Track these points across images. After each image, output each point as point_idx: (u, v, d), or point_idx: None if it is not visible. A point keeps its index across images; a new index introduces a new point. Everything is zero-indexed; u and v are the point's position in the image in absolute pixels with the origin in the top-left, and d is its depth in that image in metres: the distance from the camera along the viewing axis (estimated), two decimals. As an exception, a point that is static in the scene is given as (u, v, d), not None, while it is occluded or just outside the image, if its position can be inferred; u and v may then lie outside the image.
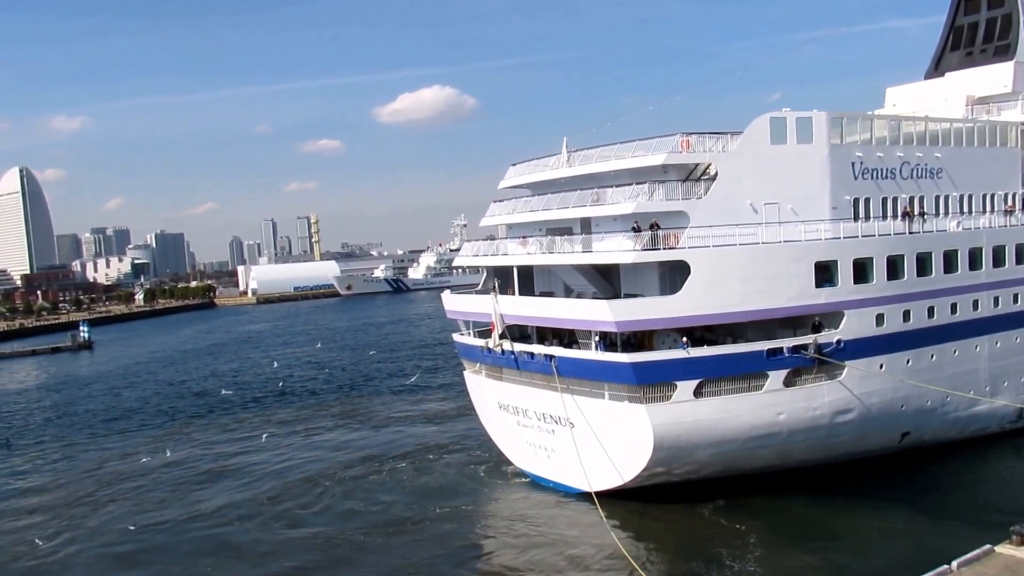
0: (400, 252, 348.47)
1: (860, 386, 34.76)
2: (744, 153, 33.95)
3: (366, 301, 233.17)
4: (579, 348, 35.09)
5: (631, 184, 33.91)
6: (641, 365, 32.30)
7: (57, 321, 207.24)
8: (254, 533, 35.25)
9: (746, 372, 33.03)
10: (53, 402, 78.55)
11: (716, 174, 33.69)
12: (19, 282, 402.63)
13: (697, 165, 34.39)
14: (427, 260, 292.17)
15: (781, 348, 33.31)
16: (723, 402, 32.78)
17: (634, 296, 34.63)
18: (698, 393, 32.58)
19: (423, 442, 48.25)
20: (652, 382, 32.41)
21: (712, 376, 32.70)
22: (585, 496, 35.29)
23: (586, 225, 36.36)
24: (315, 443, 50.79)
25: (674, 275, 33.27)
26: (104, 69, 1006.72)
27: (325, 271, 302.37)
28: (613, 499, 34.21)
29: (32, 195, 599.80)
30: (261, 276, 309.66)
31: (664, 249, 32.47)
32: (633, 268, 34.49)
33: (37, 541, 35.38)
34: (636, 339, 34.07)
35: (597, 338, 33.82)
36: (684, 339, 32.79)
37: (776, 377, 33.26)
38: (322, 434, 53.37)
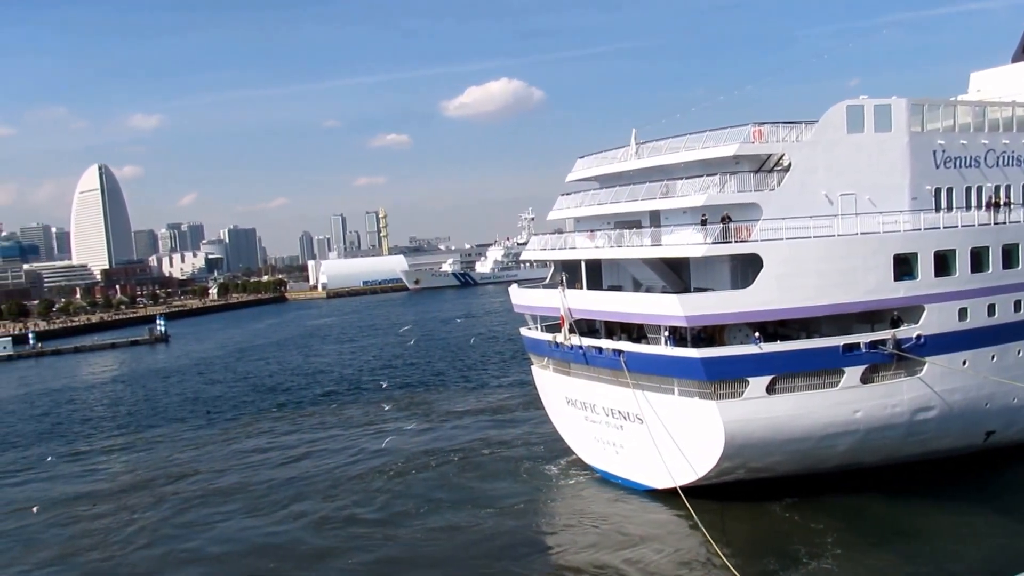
0: (467, 246, 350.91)
1: (942, 383, 33.53)
2: (819, 143, 33.06)
3: (434, 295, 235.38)
4: (648, 343, 34.65)
5: (701, 176, 33.37)
6: (712, 361, 31.73)
7: (135, 315, 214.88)
8: (316, 528, 35.67)
9: (821, 368, 32.17)
10: (131, 394, 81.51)
11: (790, 165, 32.90)
12: (99, 277, 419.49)
13: (770, 156, 33.61)
14: (494, 254, 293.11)
15: (858, 343, 32.34)
16: (797, 399, 31.98)
17: (704, 290, 34.05)
18: (771, 389, 31.86)
19: (489, 437, 48.41)
20: (723, 378, 31.82)
21: (785, 372, 31.95)
22: (654, 493, 34.94)
23: (655, 218, 35.91)
24: (381, 437, 51.21)
25: (746, 269, 32.61)
26: (179, 66, 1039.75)
27: (393, 265, 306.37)
28: (685, 496, 33.68)
29: (111, 192, 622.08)
30: (330, 270, 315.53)
31: (736, 242, 31.87)
32: (703, 262, 33.94)
33: (106, 535, 36.39)
34: (706, 334, 33.46)
35: (667, 333, 33.34)
36: (756, 334, 32.11)
37: (853, 373, 32.31)
38: (388, 428, 53.92)
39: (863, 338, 32.46)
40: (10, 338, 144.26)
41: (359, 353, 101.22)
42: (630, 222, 36.92)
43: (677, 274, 36.17)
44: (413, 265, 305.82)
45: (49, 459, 52.65)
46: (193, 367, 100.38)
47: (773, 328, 33.48)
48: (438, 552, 31.98)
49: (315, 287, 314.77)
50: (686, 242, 33.16)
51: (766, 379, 31.74)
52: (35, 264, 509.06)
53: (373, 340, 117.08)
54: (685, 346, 32.63)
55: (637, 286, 37.93)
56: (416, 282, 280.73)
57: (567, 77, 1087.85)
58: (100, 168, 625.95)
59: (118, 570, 32.57)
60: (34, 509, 40.48)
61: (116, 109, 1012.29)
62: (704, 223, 32.46)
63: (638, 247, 35.37)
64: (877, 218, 32.91)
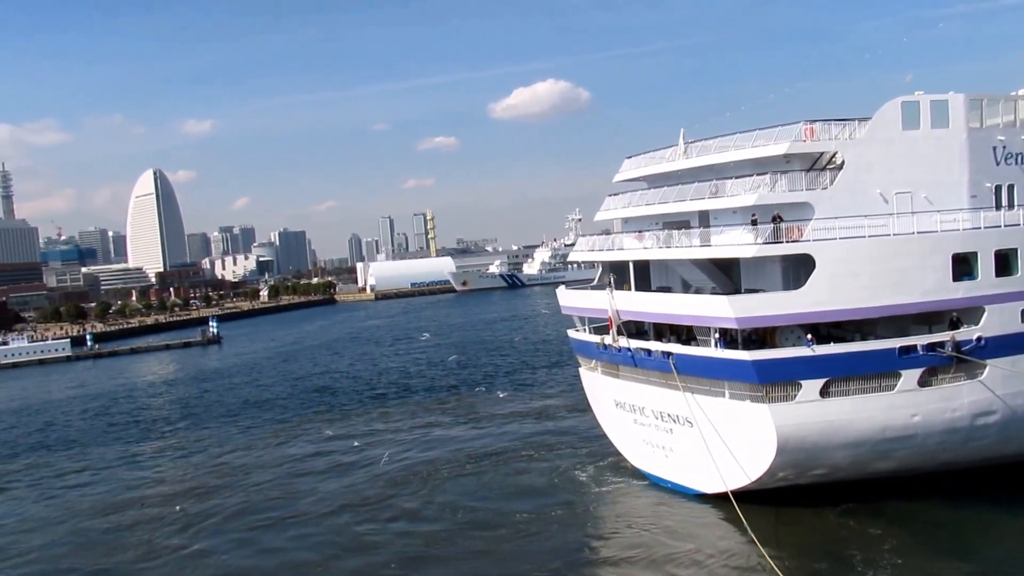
0: (515, 248, 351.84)
1: (1004, 386, 32.44)
2: (873, 140, 32.31)
3: (481, 297, 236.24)
4: (698, 345, 34.23)
5: (751, 175, 32.85)
6: (763, 363, 31.19)
7: (188, 317, 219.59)
8: (362, 527, 35.88)
9: (877, 371, 31.38)
10: (183, 396, 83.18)
11: (843, 163, 32.22)
12: (154, 279, 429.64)
13: (822, 154, 32.96)
14: (542, 255, 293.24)
15: (915, 346, 31.48)
16: (852, 402, 31.24)
17: (755, 291, 33.51)
18: (825, 393, 31.18)
19: (537, 439, 48.29)
20: (775, 381, 31.25)
21: (840, 375, 31.24)
22: (705, 497, 34.48)
23: (704, 218, 35.45)
24: (428, 438, 51.69)
25: (798, 269, 32.01)
26: (232, 72, 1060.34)
27: (441, 267, 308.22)
28: (737, 501, 33.16)
29: (165, 196, 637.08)
30: (379, 272, 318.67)
31: (787, 242, 31.31)
32: (754, 262, 33.40)
33: (152, 536, 36.89)
34: (757, 336, 32.92)
35: (717, 335, 32.89)
36: (809, 336, 31.46)
37: (910, 376, 31.47)
38: (435, 429, 54.25)
39: (921, 340, 31.58)
40: (69, 340, 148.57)
41: (407, 355, 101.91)
42: (679, 222, 36.51)
43: (727, 275, 35.66)
44: (460, 267, 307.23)
45: (103, 459, 54.04)
46: (244, 369, 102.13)
47: (826, 330, 32.78)
48: (481, 556, 31.91)
49: (364, 289, 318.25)
50: (736, 242, 32.67)
51: (820, 382, 31.07)
52: (93, 267, 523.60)
53: (422, 342, 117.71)
54: (736, 348, 32.13)
55: (686, 287, 37.49)
56: (463, 284, 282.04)
57: (614, 77, 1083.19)
58: (155, 173, 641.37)
59: (161, 572, 33.05)
60: (87, 508, 41.53)
61: (171, 115, 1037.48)
62: (755, 223, 31.96)
63: (687, 248, 34.96)
64: (935, 217, 32.04)
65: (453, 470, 43.24)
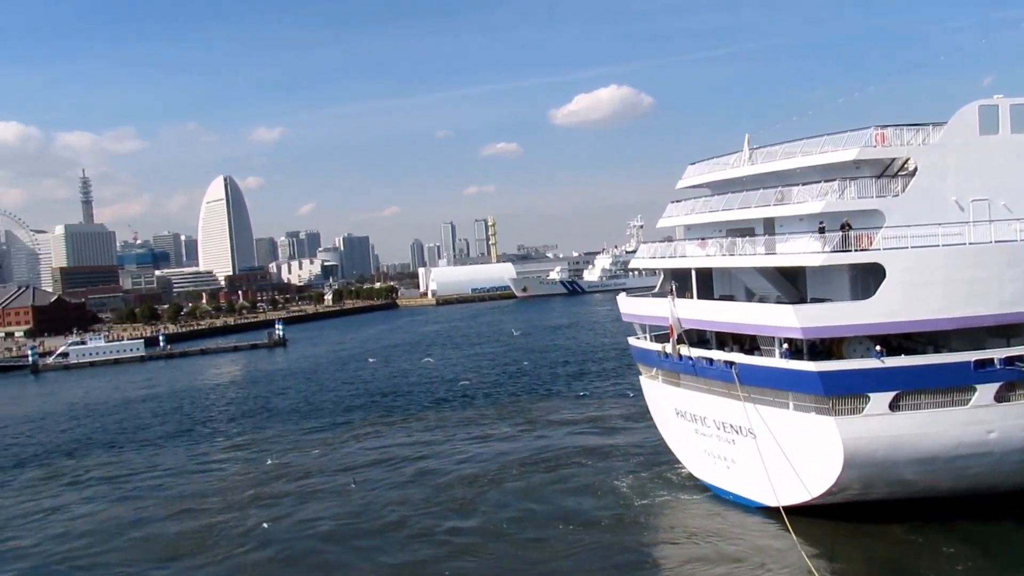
0: (575, 254, 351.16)
1: (1088, 403, 30.89)
2: (949, 145, 31.20)
3: (541, 303, 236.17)
4: (761, 355, 33.48)
5: (819, 182, 32.07)
6: (830, 375, 30.35)
7: (255, 319, 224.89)
8: (412, 534, 35.97)
9: (950, 385, 30.25)
10: (250, 396, 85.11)
11: (916, 169, 31.18)
12: (223, 282, 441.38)
13: (894, 160, 31.98)
14: (602, 262, 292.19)
15: (992, 359, 30.22)
16: (924, 417, 30.16)
17: (822, 301, 32.62)
18: (894, 406, 30.17)
19: (594, 446, 47.94)
20: (842, 393, 30.38)
21: (910, 388, 30.19)
22: (767, 510, 33.67)
23: (769, 225, 34.72)
24: (486, 444, 51.79)
25: (867, 278, 31.10)
26: (300, 81, 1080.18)
27: (501, 273, 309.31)
28: (798, 515, 32.35)
29: (235, 202, 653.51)
30: (440, 278, 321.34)
31: (856, 251, 30.43)
32: (821, 271, 32.53)
33: (210, 535, 37.57)
34: (824, 346, 32.08)
35: (781, 345, 32.11)
36: (878, 347, 30.50)
37: (986, 391, 30.23)
38: (493, 435, 54.32)
39: (998, 353, 30.33)
40: (143, 340, 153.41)
41: (467, 360, 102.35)
42: (743, 229, 35.84)
43: (792, 284, 34.85)
44: (521, 273, 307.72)
45: (171, 458, 55.56)
46: (308, 371, 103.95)
47: (897, 341, 31.75)
48: (531, 567, 31.73)
49: (425, 294, 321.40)
50: (803, 250, 31.90)
51: (889, 395, 30.09)
52: (166, 270, 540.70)
53: (481, 348, 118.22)
54: (801, 359, 31.33)
55: (750, 296, 36.75)
56: (524, 290, 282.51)
57: (678, 82, 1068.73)
58: (226, 179, 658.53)
59: (218, 570, 33.63)
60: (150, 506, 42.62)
61: (241, 123, 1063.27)
62: (822, 231, 31.16)
63: (751, 255, 34.27)
64: (1014, 225, 30.76)
65: (506, 476, 43.21)
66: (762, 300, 35.16)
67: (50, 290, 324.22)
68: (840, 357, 31.39)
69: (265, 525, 38.03)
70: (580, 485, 40.51)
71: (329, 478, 46.38)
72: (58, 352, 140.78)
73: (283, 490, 44.21)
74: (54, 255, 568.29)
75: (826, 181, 31.89)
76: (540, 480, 42.08)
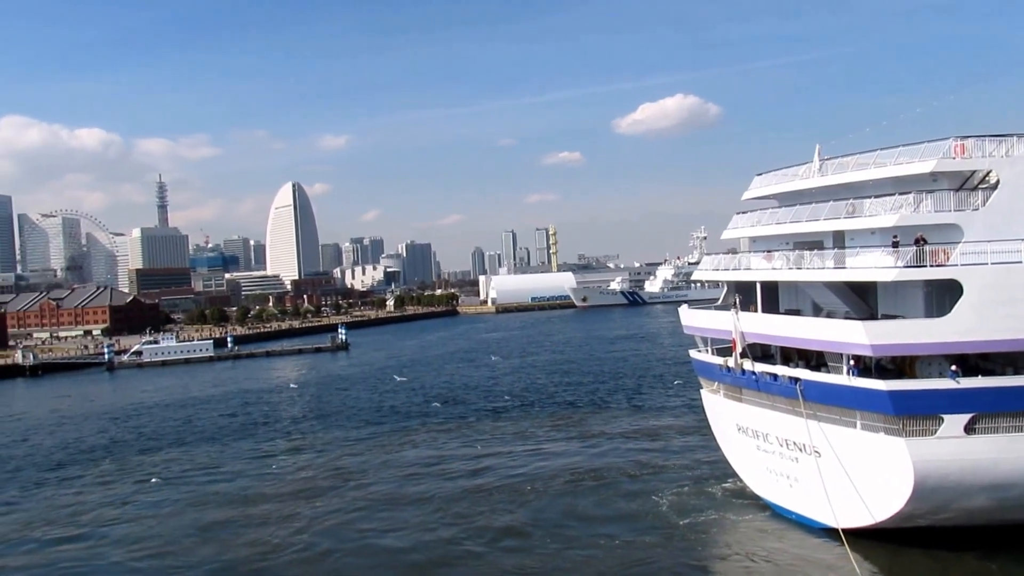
0: (637, 264, 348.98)
1: None
2: (1033, 158, 29.85)
3: (601, 313, 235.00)
4: (828, 371, 32.52)
5: (893, 194, 31.06)
6: (901, 394, 29.27)
7: (319, 323, 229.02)
8: (458, 540, 35.93)
9: (1031, 408, 28.85)
10: (312, 397, 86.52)
11: (997, 182, 29.94)
12: (289, 286, 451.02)
13: (974, 172, 30.79)
14: (664, 273, 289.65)
15: (1077, 383, 28.75)
16: (1002, 441, 28.81)
17: (893, 317, 31.56)
18: (970, 429, 28.93)
19: (649, 460, 47.27)
20: (914, 413, 29.25)
21: (988, 411, 28.91)
22: (830, 532, 32.61)
23: (839, 239, 33.79)
24: (539, 453, 51.50)
25: (942, 295, 29.96)
26: (367, 89, 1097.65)
27: (561, 282, 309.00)
28: (863, 538, 31.30)
29: (302, 208, 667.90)
30: (500, 286, 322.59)
31: (932, 266, 29.34)
32: (893, 287, 31.48)
33: (265, 534, 37.95)
34: (894, 365, 30.99)
35: (849, 362, 31.11)
36: (953, 367, 29.32)
37: (1069, 416, 28.75)
38: (546, 445, 54.03)
39: (1082, 377, 28.85)
40: (212, 341, 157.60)
41: (524, 369, 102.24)
42: (811, 242, 34.95)
43: (862, 299, 33.79)
44: (581, 282, 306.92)
45: (234, 455, 56.71)
46: (369, 375, 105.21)
47: (973, 361, 30.49)
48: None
49: (485, 302, 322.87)
50: (874, 265, 30.90)
51: (964, 417, 28.88)
52: (235, 273, 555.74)
53: (539, 357, 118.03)
54: (870, 376, 30.33)
55: (817, 310, 35.77)
56: (584, 299, 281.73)
57: (746, 91, 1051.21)
58: (294, 186, 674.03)
59: (271, 570, 33.99)
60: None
61: (309, 130, 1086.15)
62: (895, 245, 30.13)
63: (820, 269, 33.35)
64: (1102, 242, 29.24)
65: (554, 487, 42.90)
66: (830, 315, 34.18)
67: (126, 291, 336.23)
68: (912, 376, 30.31)
69: (314, 523, 38.61)
70: (630, 499, 39.91)
71: (381, 480, 46.85)
72: (132, 351, 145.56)
73: (338, 493, 44.63)
74: (131, 257, 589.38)
75: (901, 194, 30.89)
76: (588, 492, 41.59)
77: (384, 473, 48.61)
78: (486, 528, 37.12)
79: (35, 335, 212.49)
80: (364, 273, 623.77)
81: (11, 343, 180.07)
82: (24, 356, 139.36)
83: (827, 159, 35.59)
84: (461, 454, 52.55)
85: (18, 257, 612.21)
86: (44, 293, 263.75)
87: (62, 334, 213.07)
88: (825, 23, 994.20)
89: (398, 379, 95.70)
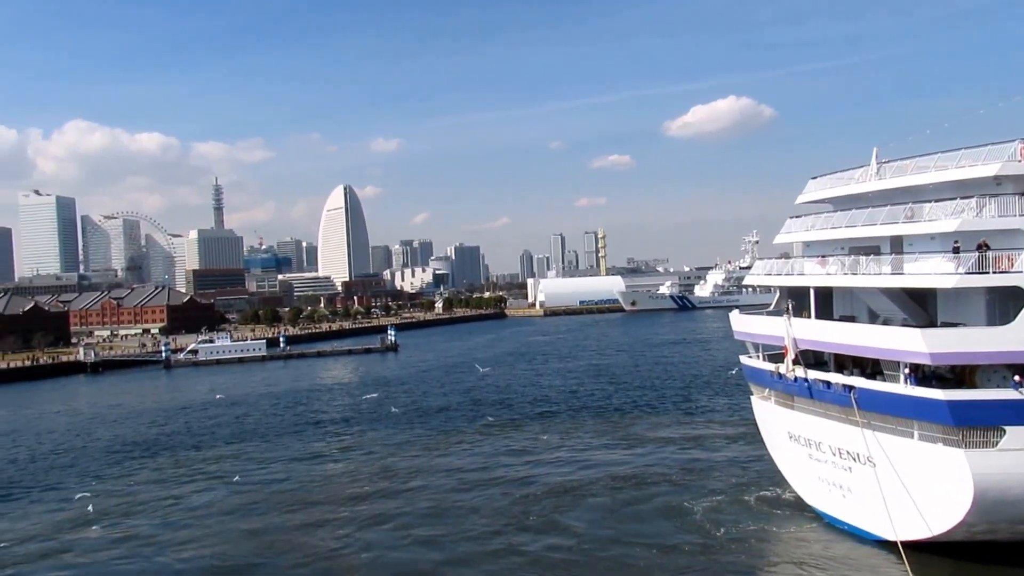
0: (686, 269, 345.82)
1: None
2: (1105, 161, 28.78)
3: (650, 317, 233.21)
4: (884, 380, 31.74)
5: (954, 198, 30.22)
6: (961, 404, 28.42)
7: (369, 324, 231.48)
8: (499, 543, 35.94)
9: (1099, 421, 27.78)
10: (361, 398, 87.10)
11: (1064, 186, 28.91)
12: (340, 288, 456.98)
13: (1040, 176, 29.73)
14: (715, 277, 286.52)
15: None
16: (1067, 454, 27.80)
17: (953, 325, 30.66)
18: (1033, 441, 27.94)
19: (695, 466, 46.78)
20: (974, 424, 28.37)
21: (1054, 423, 27.90)
22: (885, 544, 31.82)
23: (896, 244, 32.97)
24: (583, 457, 51.30)
25: (1006, 303, 29.03)
26: (418, 92, 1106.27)
27: (610, 286, 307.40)
28: (919, 551, 30.47)
29: (353, 210, 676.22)
30: (549, 289, 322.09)
31: (995, 273, 28.46)
32: (954, 293, 30.58)
33: (305, 534, 38.42)
34: (954, 374, 30.12)
35: (906, 370, 30.33)
36: (1016, 377, 28.36)
37: None
38: (591, 449, 53.80)
39: None
40: (264, 341, 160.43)
41: (571, 373, 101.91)
42: (867, 248, 34.19)
43: (921, 306, 32.92)
44: (630, 286, 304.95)
45: (284, 454, 57.59)
46: (417, 376, 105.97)
47: (1038, 371, 29.43)
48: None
49: (533, 305, 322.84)
50: (934, 271, 30.06)
51: (1028, 429, 27.90)
52: (287, 275, 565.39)
53: (587, 361, 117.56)
54: (929, 386, 29.51)
55: (873, 317, 34.96)
56: (632, 303, 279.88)
57: (800, 93, 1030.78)
58: (345, 188, 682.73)
59: (315, 569, 34.27)
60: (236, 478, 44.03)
61: (362, 133, 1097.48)
62: (956, 250, 29.31)
63: (876, 275, 32.61)
64: None
65: (597, 491, 42.77)
66: (887, 322, 33.39)
67: (183, 290, 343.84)
68: (972, 386, 29.44)
69: (358, 524, 39.07)
70: (675, 505, 39.47)
71: (427, 481, 47.14)
72: (188, 349, 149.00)
73: (383, 493, 44.99)
74: (187, 258, 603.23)
75: (962, 198, 30.04)
76: (631, 498, 41.23)
77: (428, 474, 48.91)
78: (526, 531, 37.10)
79: (96, 333, 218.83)
80: (413, 275, 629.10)
81: (74, 341, 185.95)
82: (86, 354, 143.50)
83: (885, 162, 34.80)
84: (504, 456, 52.62)
85: (81, 257, 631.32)
86: (105, 292, 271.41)
87: (122, 332, 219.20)
88: (882, 24, 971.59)
89: (481, 370, 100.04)
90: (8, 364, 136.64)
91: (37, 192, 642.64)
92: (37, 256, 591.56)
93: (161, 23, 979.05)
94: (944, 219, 29.99)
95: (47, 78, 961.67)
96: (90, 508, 44.10)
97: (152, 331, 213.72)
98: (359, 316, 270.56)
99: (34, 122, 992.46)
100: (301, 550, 36.28)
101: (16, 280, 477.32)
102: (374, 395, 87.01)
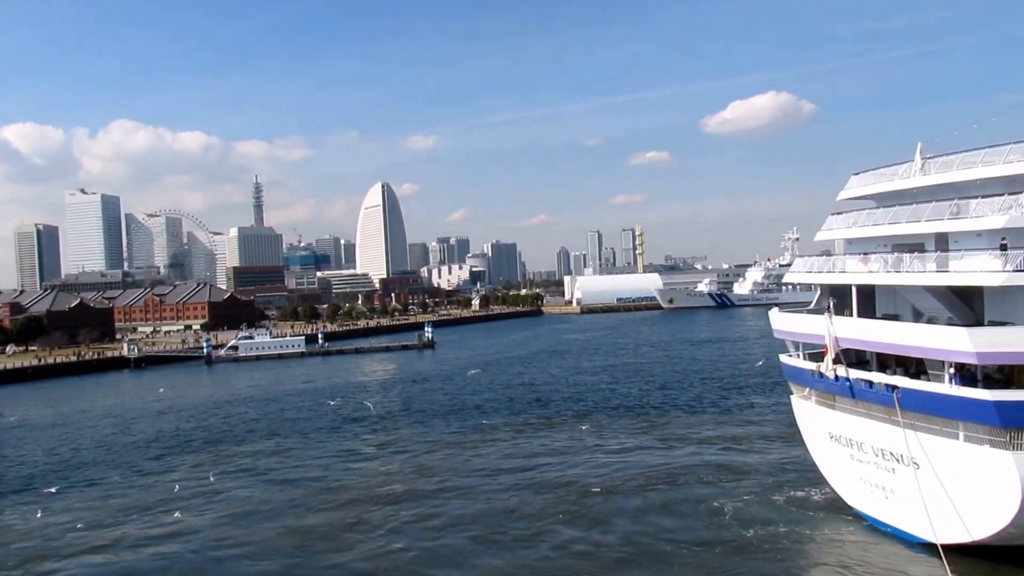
0: (725, 266, 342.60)
1: None
2: None
3: (688, 315, 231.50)
4: (928, 380, 31.08)
5: (1002, 194, 29.47)
6: (1009, 405, 27.73)
7: (406, 321, 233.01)
8: (537, 538, 36.06)
9: None
10: (398, 395, 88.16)
11: (1118, 182, 28.03)
12: (377, 285, 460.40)
13: (1092, 171, 28.88)
14: (754, 275, 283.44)
15: None
16: (1120, 458, 26.98)
17: (1001, 324, 29.90)
18: (1085, 444, 27.18)
19: (732, 465, 46.36)
20: (1022, 426, 27.67)
21: (1106, 425, 27.10)
22: (927, 547, 31.18)
23: (942, 241, 32.25)
24: (618, 455, 51.20)
25: (1056, 302, 28.21)
26: (455, 91, 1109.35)
27: (647, 284, 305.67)
28: (961, 554, 29.82)
29: (391, 208, 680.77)
30: (585, 287, 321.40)
31: (1045, 270, 27.64)
32: (1002, 292, 29.84)
33: (339, 529, 38.77)
34: (1001, 374, 29.38)
35: (951, 370, 29.68)
36: (1067, 378, 27.62)
37: None
38: (625, 447, 53.61)
39: None
40: (303, 337, 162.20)
41: (608, 371, 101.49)
42: (911, 245, 33.49)
43: (967, 304, 32.16)
44: (668, 284, 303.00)
45: (322, 450, 58.25)
46: (453, 373, 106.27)
47: (1089, 372, 28.60)
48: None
49: (570, 302, 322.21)
50: (981, 268, 29.37)
51: (1079, 431, 27.14)
52: (326, 272, 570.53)
53: (624, 359, 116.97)
54: (974, 386, 28.84)
55: (917, 316, 34.25)
56: (670, 301, 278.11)
57: (842, 88, 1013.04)
58: (383, 186, 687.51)
59: (348, 564, 34.55)
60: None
61: (398, 132, 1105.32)
62: (1004, 248, 28.59)
63: (920, 272, 31.93)
64: None
65: (632, 489, 42.75)
66: (931, 321, 32.71)
67: (224, 287, 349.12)
68: (1020, 386, 28.66)
69: (391, 520, 39.40)
70: (724, 505, 39.02)
71: (460, 477, 47.41)
72: (229, 345, 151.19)
73: (418, 490, 45.26)
74: (228, 255, 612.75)
75: (1010, 194, 29.30)
76: (668, 498, 41.03)
77: (464, 471, 49.09)
78: (558, 530, 37.04)
79: (139, 329, 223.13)
80: (450, 272, 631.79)
81: (118, 336, 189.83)
82: (129, 349, 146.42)
83: (930, 157, 34.06)
84: (540, 455, 52.56)
85: (125, 255, 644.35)
86: (148, 289, 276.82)
87: (164, 328, 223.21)
88: (926, 18, 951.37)
89: (470, 373, 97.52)
90: (55, 359, 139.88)
91: (83, 191, 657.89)
92: (83, 254, 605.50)
93: (204, 25, 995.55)
94: (991, 215, 29.29)
95: (93, 79, 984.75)
96: (131, 501, 44.94)
97: (193, 327, 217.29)
98: (396, 313, 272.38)
99: (80, 122, 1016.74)
100: (333, 543, 36.71)
101: (63, 277, 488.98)
102: (411, 391, 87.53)
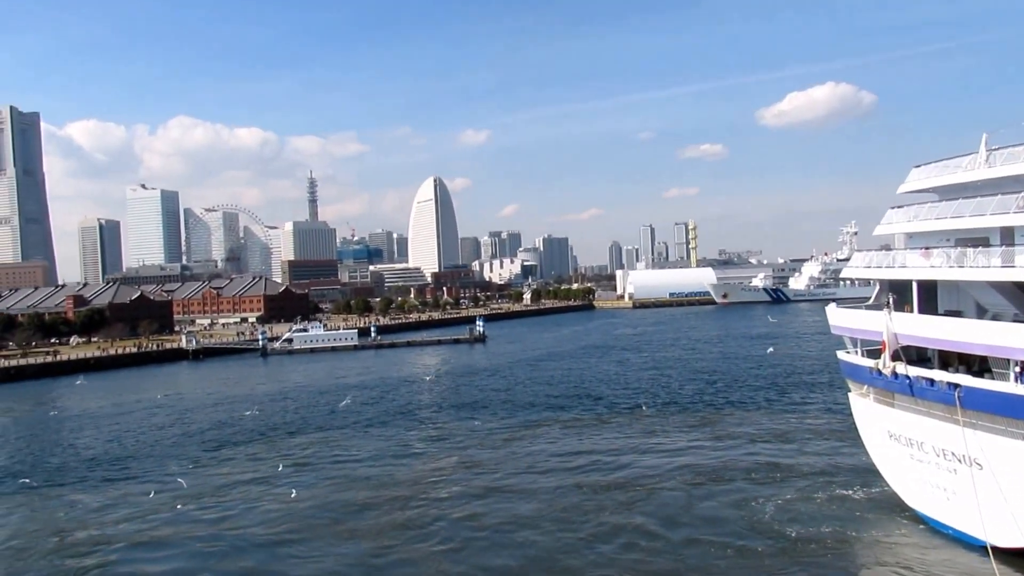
0: (780, 261, 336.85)
1: None
2: None
3: (742, 311, 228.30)
4: (993, 378, 30.11)
5: (1073, 187, 28.30)
6: (1078, 405, 26.71)
7: (458, 315, 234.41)
8: (582, 534, 35.93)
9: None
10: (449, 388, 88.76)
11: None
12: (429, 279, 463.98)
13: None
14: (810, 270, 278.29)
15: None
16: None
17: (1070, 321, 28.81)
18: None
19: (791, 463, 45.55)
20: (1093, 427, 26.64)
21: None
22: (988, 550, 30.17)
23: (1008, 235, 31.15)
24: (667, 451, 50.89)
25: None
26: (506, 86, 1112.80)
27: (701, 278, 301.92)
28: (1021, 558, 28.85)
29: (443, 202, 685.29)
30: (638, 281, 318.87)
31: (1118, 266, 26.51)
32: (1071, 288, 28.73)
33: (384, 522, 39.00)
34: (1072, 373, 28.25)
35: (1017, 368, 28.69)
36: None
37: None
38: (676, 443, 53.16)
39: None
40: (356, 330, 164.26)
41: (661, 366, 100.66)
42: (975, 239, 32.43)
43: (1035, 301, 31.02)
44: (721, 278, 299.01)
45: (372, 442, 58.91)
46: (505, 367, 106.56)
47: None
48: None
49: (621, 296, 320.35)
50: (1049, 264, 28.28)
51: None
52: (379, 265, 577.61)
53: (677, 354, 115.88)
54: (1042, 385, 27.82)
55: (981, 312, 33.18)
56: (724, 296, 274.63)
57: (904, 78, 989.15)
58: (435, 180, 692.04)
59: (395, 558, 34.77)
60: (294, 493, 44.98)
61: (451, 126, 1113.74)
62: (1074, 242, 27.44)
63: (985, 268, 30.89)
64: None
65: (682, 485, 42.46)
66: (996, 317, 31.65)
67: (279, 281, 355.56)
68: (1091, 386, 27.59)
69: (436, 516, 39.68)
70: (781, 504, 38.37)
71: (508, 472, 47.44)
72: (283, 338, 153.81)
73: (468, 485, 45.36)
74: (283, 249, 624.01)
75: (1081, 186, 28.15)
76: (722, 494, 40.59)
77: (513, 466, 49.11)
78: (604, 527, 36.88)
79: (197, 321, 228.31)
80: (502, 266, 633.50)
81: (176, 328, 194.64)
82: (188, 341, 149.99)
83: (995, 149, 32.91)
84: (590, 450, 52.38)
85: (183, 248, 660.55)
86: (206, 282, 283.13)
87: (221, 321, 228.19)
88: (989, 5, 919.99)
89: (520, 369, 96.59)
90: (117, 351, 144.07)
91: (143, 186, 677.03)
92: (143, 247, 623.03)
93: (259, 24, 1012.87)
94: (1061, 208, 28.17)
95: (154, 76, 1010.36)
96: (185, 491, 45.92)
97: (249, 320, 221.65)
98: (448, 307, 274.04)
99: (141, 118, 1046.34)
100: (382, 537, 37.02)
101: (124, 271, 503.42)
102: (462, 384, 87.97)
